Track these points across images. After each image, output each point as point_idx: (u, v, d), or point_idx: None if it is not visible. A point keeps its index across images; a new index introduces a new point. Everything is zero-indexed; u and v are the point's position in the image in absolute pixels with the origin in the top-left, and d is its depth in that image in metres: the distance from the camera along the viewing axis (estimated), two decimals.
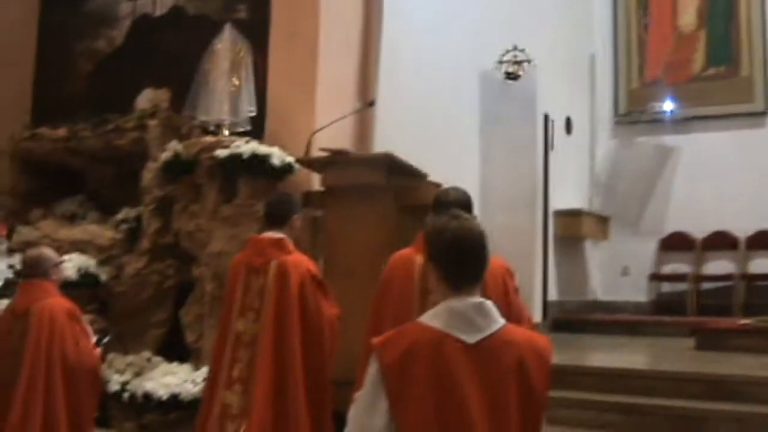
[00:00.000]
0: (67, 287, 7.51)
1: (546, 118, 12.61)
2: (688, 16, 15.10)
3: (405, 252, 5.74)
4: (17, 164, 10.98)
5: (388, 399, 3.23)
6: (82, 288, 8.86)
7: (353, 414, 3.38)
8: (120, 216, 9.91)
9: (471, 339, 3.26)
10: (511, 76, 12.35)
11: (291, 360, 6.30)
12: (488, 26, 12.05)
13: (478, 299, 3.34)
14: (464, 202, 5.58)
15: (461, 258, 3.37)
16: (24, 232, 10.07)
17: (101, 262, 9.52)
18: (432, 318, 3.34)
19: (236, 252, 7.53)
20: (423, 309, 5.29)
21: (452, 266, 3.37)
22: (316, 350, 6.39)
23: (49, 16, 11.94)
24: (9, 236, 9.97)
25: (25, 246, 9.25)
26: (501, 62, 12.38)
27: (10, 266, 8.03)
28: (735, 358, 9.28)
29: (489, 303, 3.36)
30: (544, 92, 12.59)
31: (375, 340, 3.37)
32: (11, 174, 10.93)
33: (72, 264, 8.87)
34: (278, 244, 6.47)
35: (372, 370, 3.31)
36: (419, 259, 5.53)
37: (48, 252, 7.11)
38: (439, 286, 3.41)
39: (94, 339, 7.06)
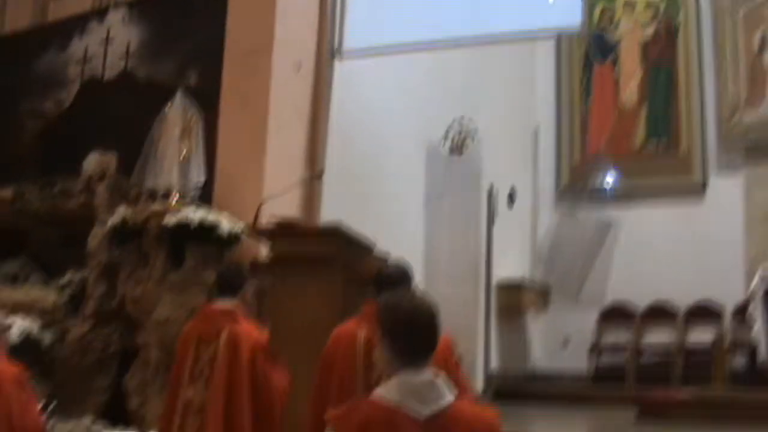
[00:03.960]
0: (11, 351, 7.44)
1: (490, 189, 12.74)
2: (629, 92, 15.39)
3: (348, 326, 5.77)
4: None
5: None
6: (25, 352, 8.75)
7: None
8: (64, 279, 9.85)
9: (422, 413, 3.31)
10: (456, 150, 12.48)
11: (240, 428, 6.30)
12: (435, 100, 12.19)
13: (429, 374, 3.40)
14: (404, 277, 5.66)
15: (415, 333, 3.44)
16: None
17: (45, 326, 9.43)
18: (385, 392, 3.39)
19: (183, 319, 7.55)
20: (367, 382, 5.36)
21: (405, 342, 3.43)
22: (265, 419, 6.39)
23: None
24: None
25: None
26: (446, 137, 12.51)
27: None
28: (675, 430, 9.38)
29: (441, 378, 3.42)
30: (489, 164, 12.74)
31: (329, 413, 3.40)
32: None
33: (15, 327, 8.78)
34: (229, 314, 6.50)
35: None
36: (362, 333, 5.57)
37: None
38: (392, 361, 3.46)
39: (40, 405, 7.00)
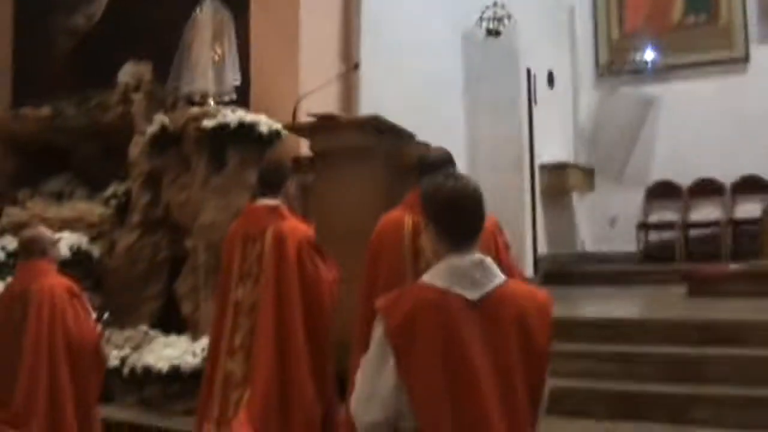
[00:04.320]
0: (62, 265, 7.51)
1: (528, 72, 12.60)
2: None
3: (394, 213, 5.76)
4: (2, 146, 10.93)
5: (395, 360, 3.25)
6: (76, 265, 8.85)
7: (360, 377, 3.40)
8: (109, 192, 9.91)
9: (473, 295, 3.29)
10: (492, 33, 12.33)
11: (292, 325, 6.32)
12: None
13: (477, 256, 3.37)
14: (446, 161, 5.62)
15: (459, 216, 3.40)
16: (13, 213, 10.04)
17: (93, 239, 9.52)
18: (433, 277, 3.36)
19: (228, 222, 7.55)
20: (415, 269, 5.36)
21: (450, 225, 3.39)
22: (316, 315, 6.41)
23: None
24: None
25: (14, 227, 9.23)
26: (482, 19, 12.35)
27: (2, 248, 8.01)
28: (726, 303, 9.35)
29: (488, 259, 3.39)
30: (526, 47, 12.58)
31: (378, 302, 3.39)
32: None
33: (65, 242, 8.85)
34: (273, 211, 6.48)
35: (377, 332, 3.33)
36: (409, 219, 5.56)
37: (44, 231, 7.11)
38: (438, 245, 3.43)
39: (94, 316, 7.07)
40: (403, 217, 5.62)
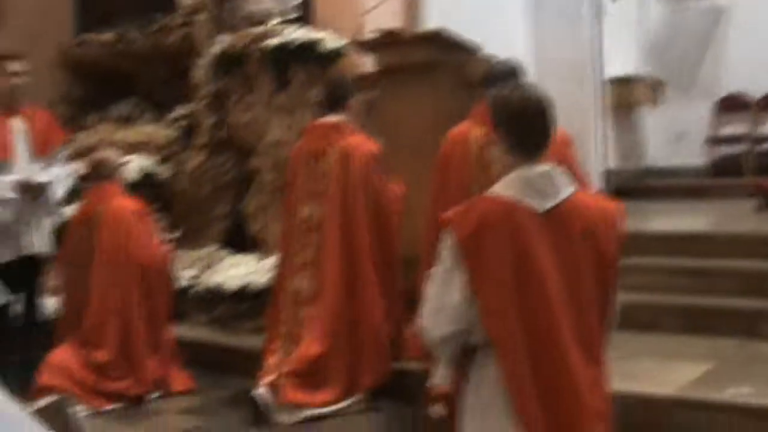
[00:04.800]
0: (130, 188, 7.59)
1: None
2: None
3: (462, 127, 5.75)
4: (68, 72, 11.01)
5: (465, 271, 3.25)
6: (144, 187, 8.92)
7: (431, 290, 3.40)
8: (174, 114, 9.95)
9: (542, 206, 3.27)
10: None
11: (358, 241, 6.35)
12: None
13: (546, 167, 3.34)
14: (514, 72, 5.57)
15: (528, 126, 3.37)
16: (81, 138, 10.12)
17: (160, 161, 9.59)
18: (502, 188, 3.34)
19: (293, 140, 7.56)
20: (483, 182, 5.33)
21: (519, 135, 3.37)
22: (382, 229, 6.44)
23: None
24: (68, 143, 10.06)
25: (84, 151, 9.31)
26: None
27: (72, 172, 8.09)
28: None
29: (557, 170, 3.36)
30: None
31: (447, 214, 3.38)
32: (63, 82, 10.96)
33: (133, 165, 8.92)
34: (338, 127, 6.49)
35: (446, 245, 3.33)
36: (476, 132, 5.54)
37: (111, 155, 7.19)
38: (507, 156, 3.41)
39: (162, 237, 7.15)
40: (471, 130, 5.61)
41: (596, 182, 11.54)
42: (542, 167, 3.34)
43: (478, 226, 3.26)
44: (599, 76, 12.27)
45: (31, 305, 7.62)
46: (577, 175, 5.24)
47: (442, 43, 7.41)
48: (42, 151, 7.44)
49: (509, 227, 3.25)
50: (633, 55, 14.32)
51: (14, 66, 7.32)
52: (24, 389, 6.48)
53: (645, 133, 14.54)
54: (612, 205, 3.45)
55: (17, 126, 7.34)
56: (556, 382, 3.24)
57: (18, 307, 7.50)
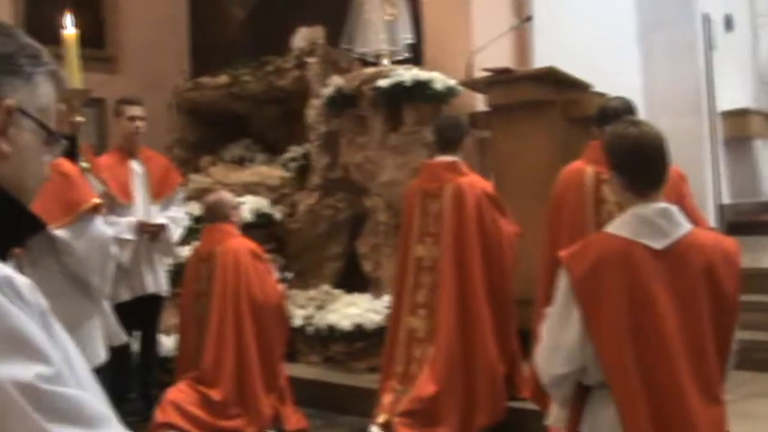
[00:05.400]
0: (245, 228, 7.70)
1: (705, 16, 12.27)
2: None
3: (575, 165, 5.73)
4: (183, 115, 11.22)
5: (581, 310, 3.25)
6: (258, 228, 9.05)
7: (546, 329, 3.41)
8: (288, 155, 10.09)
9: (659, 245, 3.25)
10: None
11: (473, 281, 6.35)
12: None
13: (662, 204, 3.33)
14: (628, 109, 5.55)
15: (644, 163, 3.36)
16: (196, 180, 10.30)
17: (274, 202, 9.71)
18: (618, 227, 3.34)
19: (407, 180, 7.61)
20: (597, 220, 5.32)
21: (635, 172, 3.36)
22: (497, 269, 6.43)
23: None
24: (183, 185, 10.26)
25: (199, 193, 9.49)
26: None
27: (188, 213, 8.26)
28: None
29: (674, 207, 3.34)
30: None
31: (563, 253, 3.38)
32: (178, 125, 11.18)
33: (247, 206, 9.05)
34: (452, 167, 6.52)
35: (562, 283, 3.33)
36: (590, 170, 5.52)
37: (226, 196, 7.31)
38: (623, 194, 3.40)
39: (277, 276, 7.24)
40: (584, 167, 5.59)
41: (710, 217, 11.39)
42: (659, 205, 3.33)
43: (593, 265, 3.26)
44: (713, 110, 12.13)
45: (149, 343, 7.79)
46: (692, 212, 5.19)
47: (553, 81, 7.42)
48: (159, 193, 7.64)
49: (626, 266, 3.24)
50: (747, 87, 14.11)
51: (134, 111, 7.53)
52: (142, 426, 6.61)
53: (760, 167, 14.28)
54: (730, 242, 3.42)
55: (136, 169, 7.55)
56: (675, 423, 3.22)
57: (136, 346, 7.66)
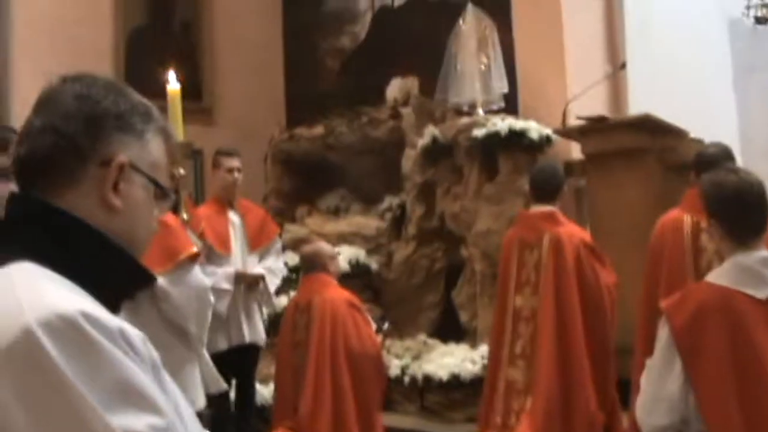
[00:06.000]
0: (342, 278, 7.74)
1: None
2: None
3: (673, 213, 5.70)
4: (279, 166, 11.34)
5: (683, 361, 3.21)
6: (355, 278, 9.09)
7: (646, 380, 3.38)
8: (384, 205, 10.15)
9: (761, 294, 3.21)
10: (761, 20, 11.94)
11: (573, 332, 6.30)
12: None
13: (764, 253, 3.29)
14: (726, 156, 5.50)
15: (744, 211, 3.33)
16: (292, 230, 10.40)
17: (370, 252, 9.76)
18: (719, 276, 3.31)
19: (503, 230, 7.60)
20: (696, 269, 5.27)
21: (735, 221, 3.33)
22: (597, 320, 6.37)
23: (292, 19, 12.28)
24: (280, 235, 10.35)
25: (295, 243, 9.58)
26: (749, 7, 11.98)
27: (285, 263, 8.33)
28: None
29: None
30: None
31: (663, 303, 3.35)
32: (274, 175, 11.31)
33: (343, 256, 9.10)
34: (550, 217, 6.49)
35: (663, 334, 3.30)
36: (688, 219, 5.49)
37: (324, 246, 7.36)
38: (723, 243, 3.37)
39: (374, 327, 7.25)
40: (683, 216, 5.55)
41: None
42: (761, 253, 3.30)
43: (694, 315, 3.23)
44: None
45: (246, 392, 7.84)
46: None
47: (650, 128, 7.38)
48: (257, 244, 7.73)
49: (728, 316, 3.21)
50: None
51: (232, 162, 7.64)
52: None
53: None
54: None
55: (234, 220, 7.65)
56: None
57: (233, 394, 7.72)
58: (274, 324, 8.05)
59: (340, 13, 11.78)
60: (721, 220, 3.37)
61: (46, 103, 1.82)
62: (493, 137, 8.29)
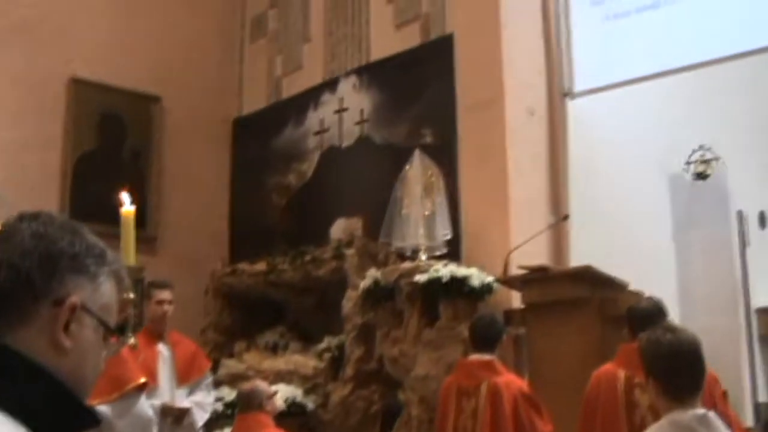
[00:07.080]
0: (277, 417, 7.67)
1: (739, 214, 12.36)
2: None
3: (607, 367, 5.77)
4: (220, 300, 11.32)
5: None
6: (291, 417, 9.00)
7: None
8: (323, 345, 10.10)
9: None
10: (701, 176, 12.18)
11: None
12: (674, 127, 11.95)
13: (701, 411, 3.34)
14: (658, 311, 5.60)
15: (680, 370, 3.40)
16: (230, 365, 10.34)
17: (307, 391, 9.71)
18: None
19: (441, 375, 7.60)
20: (630, 423, 5.33)
21: (671, 379, 3.39)
22: None
23: (241, 154, 12.41)
24: (214, 369, 10.26)
25: (232, 378, 9.51)
26: (689, 163, 12.23)
27: (218, 399, 8.27)
28: None
29: (712, 414, 3.36)
30: (735, 189, 12.36)
31: None
32: (215, 309, 11.27)
33: (280, 394, 9.04)
34: (488, 365, 6.53)
35: None
36: (622, 373, 5.56)
37: (262, 385, 7.31)
38: (659, 400, 3.42)
39: None
40: (616, 371, 5.62)
41: (747, 416, 11.26)
42: (697, 411, 3.35)
43: None
44: (747, 307, 12.12)
45: None
46: (728, 415, 5.20)
47: (590, 279, 7.48)
48: (185, 378, 7.68)
49: None
50: None
51: (162, 294, 7.64)
52: None
53: None
54: None
55: (163, 352, 7.61)
56: None
57: None
58: None
59: (288, 150, 11.90)
60: (657, 378, 3.43)
61: (4, 240, 1.84)
62: (435, 283, 8.36)
